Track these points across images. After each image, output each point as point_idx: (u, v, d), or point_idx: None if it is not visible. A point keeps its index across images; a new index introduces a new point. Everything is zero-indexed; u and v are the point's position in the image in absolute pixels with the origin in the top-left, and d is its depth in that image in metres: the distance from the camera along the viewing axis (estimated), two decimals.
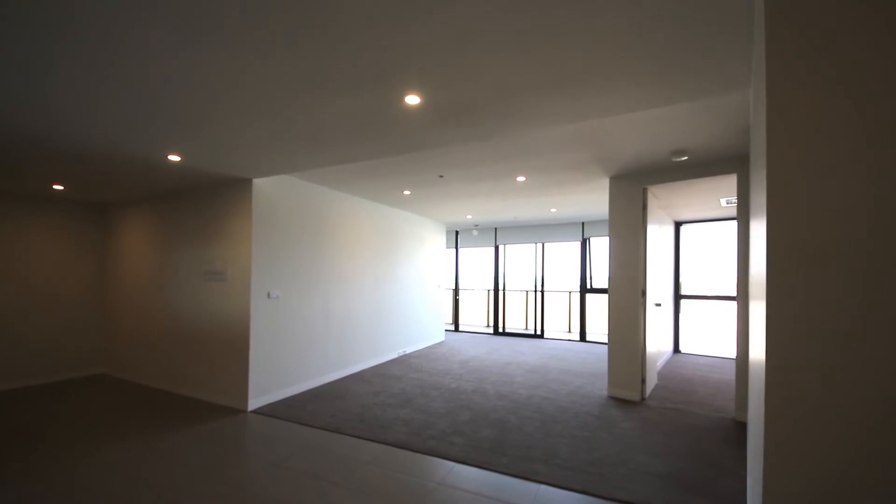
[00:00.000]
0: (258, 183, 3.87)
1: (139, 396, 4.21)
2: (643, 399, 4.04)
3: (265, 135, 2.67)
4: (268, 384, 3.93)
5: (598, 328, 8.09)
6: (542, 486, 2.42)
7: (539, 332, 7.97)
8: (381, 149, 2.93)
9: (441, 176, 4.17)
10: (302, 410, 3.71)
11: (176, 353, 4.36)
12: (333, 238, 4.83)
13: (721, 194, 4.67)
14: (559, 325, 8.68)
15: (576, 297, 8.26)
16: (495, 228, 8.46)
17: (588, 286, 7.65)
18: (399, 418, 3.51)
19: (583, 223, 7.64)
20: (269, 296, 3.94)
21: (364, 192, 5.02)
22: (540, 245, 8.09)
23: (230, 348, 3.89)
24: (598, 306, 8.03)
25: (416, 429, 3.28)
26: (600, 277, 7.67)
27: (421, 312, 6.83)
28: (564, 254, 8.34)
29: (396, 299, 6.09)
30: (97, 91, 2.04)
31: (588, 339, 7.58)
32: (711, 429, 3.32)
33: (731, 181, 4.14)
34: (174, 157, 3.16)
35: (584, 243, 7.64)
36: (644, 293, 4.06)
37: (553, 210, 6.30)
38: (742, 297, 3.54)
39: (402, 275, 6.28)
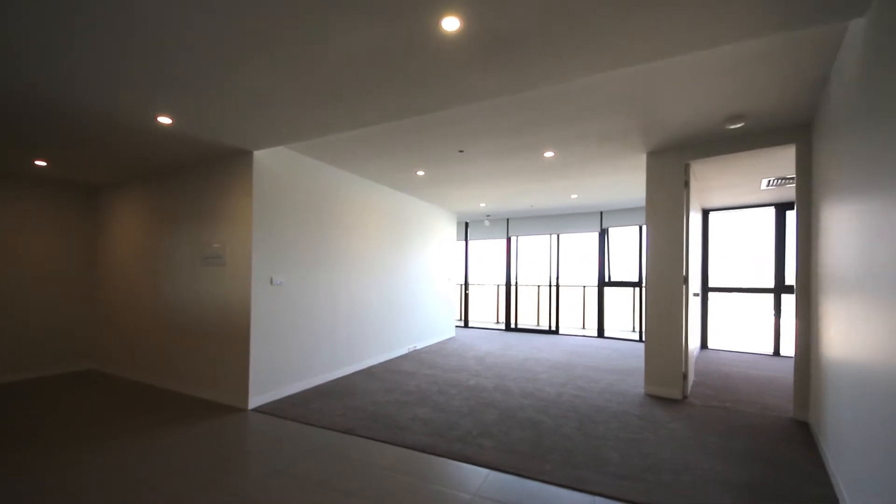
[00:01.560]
0: (259, 156, 3.49)
1: (129, 393, 3.83)
2: (685, 397, 3.65)
3: (264, 83, 2.29)
4: (270, 380, 3.55)
5: (616, 324, 7.71)
6: (598, 499, 2.04)
7: (554, 328, 7.58)
8: (402, 103, 2.55)
9: (461, 151, 3.78)
10: (308, 409, 3.34)
11: (170, 346, 3.98)
12: (341, 222, 4.45)
13: (764, 173, 4.28)
14: (573, 320, 8.29)
15: (591, 292, 7.88)
16: (507, 219, 8.08)
17: (606, 279, 7.26)
18: (417, 417, 3.13)
19: (601, 212, 7.26)
20: (271, 282, 3.56)
21: (374, 172, 4.63)
22: (555, 236, 7.70)
23: (229, 340, 3.51)
24: (616, 301, 7.65)
25: (438, 429, 2.90)
26: (619, 270, 7.29)
27: (431, 306, 6.45)
28: (578, 246, 7.95)
29: (406, 292, 5.71)
30: (69, 31, 1.67)
31: (606, 335, 7.19)
32: (769, 429, 2.93)
33: (778, 158, 3.75)
34: (164, 119, 2.79)
35: (603, 234, 7.26)
36: (686, 281, 3.68)
37: (574, 196, 5.92)
38: (803, 291, 3.12)
39: (413, 266, 5.90)
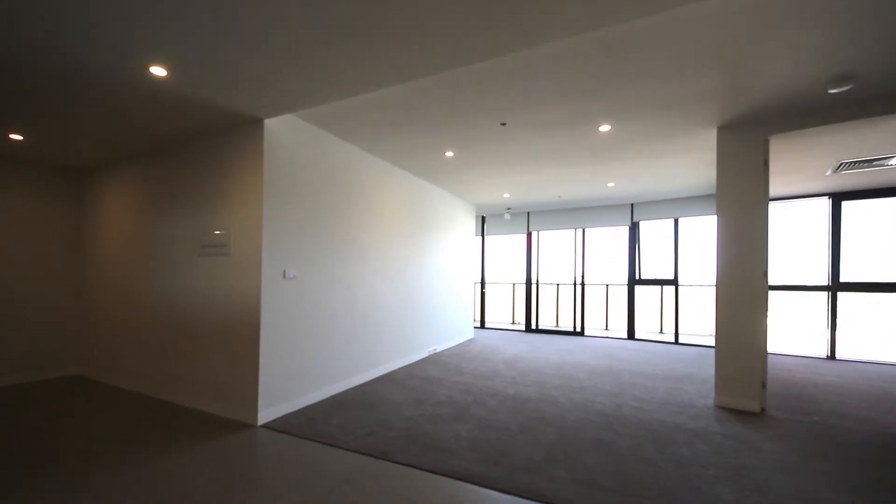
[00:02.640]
0: (272, 127, 2.96)
1: (119, 405, 3.30)
2: (763, 410, 3.15)
3: (278, 13, 1.77)
4: (283, 389, 3.03)
5: (644, 325, 7.20)
6: None
7: (579, 330, 7.07)
8: (461, 43, 2.03)
9: (504, 124, 3.26)
10: (328, 425, 2.81)
11: (166, 349, 3.45)
12: (360, 210, 3.92)
13: (838, 154, 3.77)
14: (596, 321, 7.78)
15: (614, 291, 7.38)
16: (528, 212, 7.57)
17: (637, 277, 6.76)
18: (460, 437, 2.61)
19: (632, 205, 6.75)
20: (284, 275, 3.04)
21: (397, 153, 4.11)
22: (580, 231, 7.19)
23: (235, 343, 2.98)
24: (644, 301, 7.14)
25: (490, 454, 2.38)
26: (649, 267, 6.78)
27: (451, 306, 5.93)
28: (600, 242, 7.43)
29: (426, 289, 5.19)
30: None
31: (636, 336, 6.68)
32: (881, 448, 2.42)
33: (861, 134, 3.26)
34: (158, 70, 2.25)
35: (633, 228, 6.75)
36: (766, 277, 3.17)
37: (611, 185, 5.41)
38: None
39: (432, 261, 5.38)
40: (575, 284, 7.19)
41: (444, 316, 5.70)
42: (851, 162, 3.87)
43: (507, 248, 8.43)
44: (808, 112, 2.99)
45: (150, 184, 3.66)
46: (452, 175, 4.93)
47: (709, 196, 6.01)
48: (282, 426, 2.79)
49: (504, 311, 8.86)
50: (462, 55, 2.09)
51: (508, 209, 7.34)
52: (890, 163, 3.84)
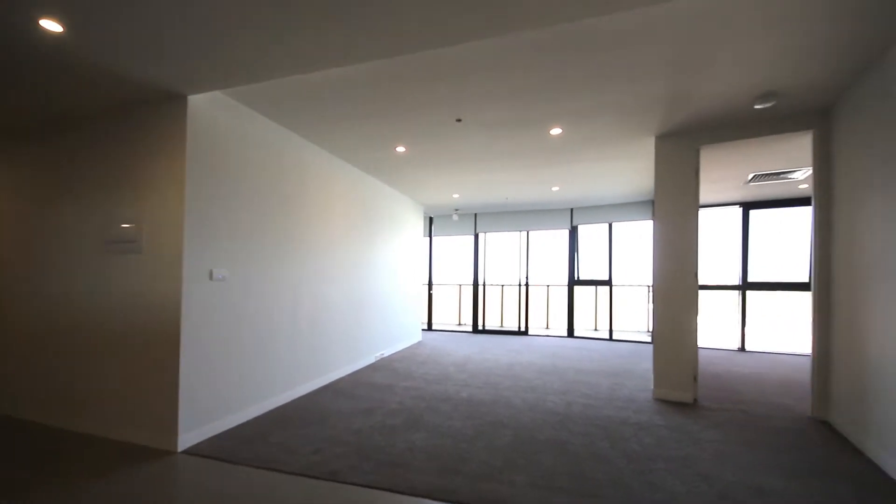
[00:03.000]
0: (197, 104, 2.59)
1: (4, 436, 2.67)
2: (695, 400, 3.39)
3: None
4: (210, 407, 2.64)
5: (582, 323, 7.58)
6: None
7: (524, 329, 7.23)
8: (424, 23, 1.89)
9: (459, 120, 3.18)
10: (267, 444, 2.50)
11: (64, 366, 2.86)
12: (305, 205, 3.61)
13: (752, 167, 4.23)
14: (538, 320, 8.03)
15: (555, 291, 7.68)
16: (475, 214, 7.61)
17: (576, 278, 7.08)
18: (415, 447, 2.45)
19: (571, 209, 7.07)
20: (211, 276, 2.66)
21: (344, 146, 3.85)
22: (524, 233, 7.38)
23: (150, 355, 2.55)
24: (581, 300, 7.52)
25: (448, 463, 2.25)
26: (588, 268, 7.14)
27: (400, 308, 5.73)
28: (545, 244, 7.70)
29: (375, 292, 4.95)
30: None
31: (576, 334, 6.99)
32: (802, 433, 2.71)
33: (771, 149, 3.67)
34: (51, 25, 1.83)
35: (573, 232, 7.07)
36: (697, 278, 3.42)
37: (555, 189, 5.59)
38: (822, 290, 2.96)
39: (380, 262, 5.15)
40: (520, 285, 7.35)
41: (393, 319, 5.49)
42: (763, 174, 4.35)
43: (453, 249, 8.41)
44: (735, 126, 3.28)
45: (44, 167, 3.04)
46: (403, 172, 4.75)
47: (640, 203, 6.47)
48: (209, 450, 2.42)
49: (451, 312, 8.83)
50: (410, 40, 1.95)
51: (456, 210, 7.32)
52: (792, 176, 4.38)
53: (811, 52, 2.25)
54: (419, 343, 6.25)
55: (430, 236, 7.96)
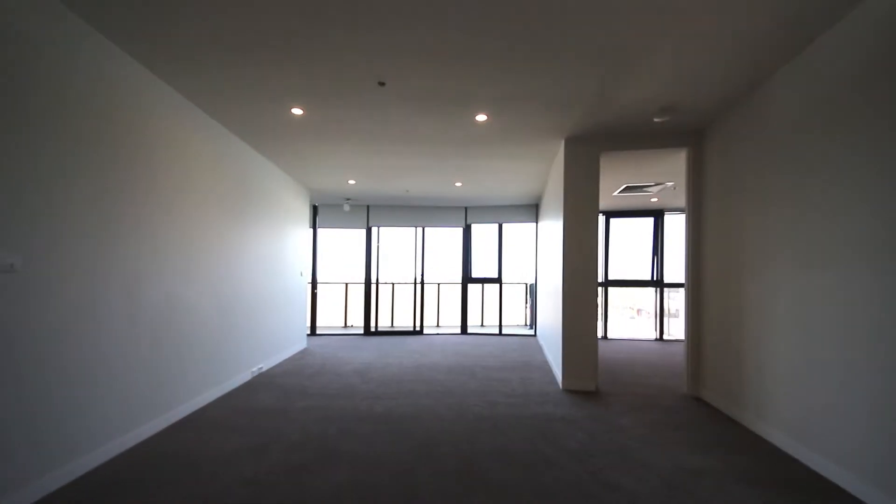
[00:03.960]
0: None
1: None
2: (597, 388, 3.63)
3: None
4: None
5: (473, 320, 7.75)
6: None
7: (419, 328, 6.99)
8: None
9: (382, 83, 2.68)
10: None
11: None
12: (155, 172, 2.58)
13: (626, 179, 4.83)
14: (429, 318, 7.91)
15: (447, 289, 7.69)
16: (368, 206, 7.02)
17: (470, 276, 7.18)
18: (343, 492, 1.90)
19: (466, 208, 7.14)
20: None
21: (219, 99, 2.93)
22: (420, 229, 7.13)
23: None
24: (473, 297, 7.69)
25: None
26: (482, 267, 7.32)
27: (283, 312, 4.80)
28: (437, 241, 7.62)
29: (250, 292, 3.99)
30: None
31: (469, 331, 7.09)
32: (691, 410, 3.08)
33: (641, 164, 4.23)
34: None
35: (467, 230, 7.15)
36: (597, 276, 3.68)
37: (458, 184, 5.48)
38: (695, 286, 3.47)
39: (259, 256, 4.19)
40: (415, 283, 7.07)
41: (274, 324, 4.55)
42: (633, 186, 5.03)
43: (340, 243, 7.63)
44: (629, 137, 3.60)
45: None
46: (294, 144, 3.94)
47: (527, 206, 6.92)
48: None
49: (336, 313, 7.99)
50: None
51: (348, 199, 6.61)
52: (650, 190, 5.19)
53: (704, 76, 2.54)
54: (305, 351, 5.38)
55: (315, 228, 7.02)
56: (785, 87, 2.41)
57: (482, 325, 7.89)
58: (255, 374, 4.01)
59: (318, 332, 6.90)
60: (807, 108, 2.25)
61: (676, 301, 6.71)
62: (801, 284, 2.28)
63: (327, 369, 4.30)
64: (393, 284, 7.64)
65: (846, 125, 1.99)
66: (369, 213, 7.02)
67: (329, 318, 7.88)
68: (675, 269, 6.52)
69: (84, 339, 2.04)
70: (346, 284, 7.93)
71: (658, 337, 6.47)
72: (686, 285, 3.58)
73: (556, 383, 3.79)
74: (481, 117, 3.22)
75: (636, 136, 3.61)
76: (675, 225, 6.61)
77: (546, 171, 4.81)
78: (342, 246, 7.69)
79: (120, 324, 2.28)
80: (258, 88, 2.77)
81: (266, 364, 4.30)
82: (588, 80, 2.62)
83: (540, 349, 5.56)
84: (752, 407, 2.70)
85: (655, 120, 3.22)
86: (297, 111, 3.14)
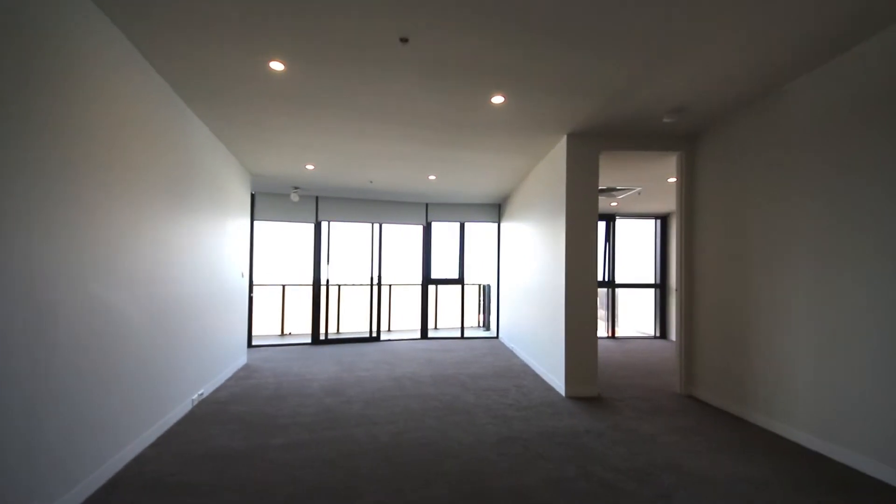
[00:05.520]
0: None
1: None
2: (599, 394, 3.51)
3: None
4: None
5: (431, 323, 7.34)
6: None
7: (376, 335, 6.36)
8: None
9: (405, 40, 2.18)
10: None
11: None
12: (72, 136, 1.76)
13: (607, 181, 4.88)
14: (382, 324, 7.30)
15: (401, 290, 7.19)
16: (317, 197, 6.20)
17: (429, 277, 6.76)
18: None
19: (427, 204, 6.71)
20: None
21: (171, 40, 2.16)
22: (377, 226, 6.51)
23: None
24: (430, 298, 7.29)
25: None
26: (441, 267, 6.95)
27: (222, 320, 3.88)
28: (392, 240, 7.07)
29: (189, 292, 3.10)
30: None
31: (428, 335, 6.67)
32: (695, 411, 3.10)
33: (625, 167, 4.30)
34: None
35: (427, 228, 6.73)
36: (596, 279, 3.57)
37: (432, 177, 5.05)
38: (687, 288, 3.54)
39: (198, 250, 3.30)
40: (371, 285, 6.43)
41: (214, 336, 3.64)
42: (608, 189, 5.10)
43: (276, 239, 6.64)
44: (620, 136, 3.54)
45: None
46: (256, 114, 3.17)
47: (489, 205, 6.76)
48: None
49: (271, 320, 6.94)
50: None
51: (296, 188, 5.73)
52: (620, 195, 5.34)
53: (728, 77, 2.54)
54: (247, 367, 4.47)
55: (252, 220, 5.97)
56: (816, 89, 2.46)
57: (436, 329, 7.53)
58: (196, 402, 3.13)
59: (253, 342, 5.87)
60: (841, 110, 2.31)
61: (625, 301, 7.09)
62: (825, 282, 2.35)
63: (287, 390, 3.56)
64: (339, 286, 6.85)
65: (883, 129, 2.06)
66: (318, 205, 6.20)
67: (263, 326, 6.82)
68: (625, 270, 6.88)
69: None
70: (284, 287, 6.95)
71: (610, 335, 6.75)
72: (678, 286, 3.64)
73: (555, 390, 3.60)
74: (498, 99, 2.87)
75: (634, 137, 3.58)
76: (626, 229, 6.98)
77: (525, 168, 4.64)
78: (279, 242, 6.71)
79: (19, 348, 1.46)
80: (235, 28, 2.07)
81: (207, 387, 3.41)
82: (622, 69, 2.46)
83: (510, 352, 5.38)
84: (762, 406, 2.76)
85: (665, 120, 3.19)
86: (276, 66, 2.45)
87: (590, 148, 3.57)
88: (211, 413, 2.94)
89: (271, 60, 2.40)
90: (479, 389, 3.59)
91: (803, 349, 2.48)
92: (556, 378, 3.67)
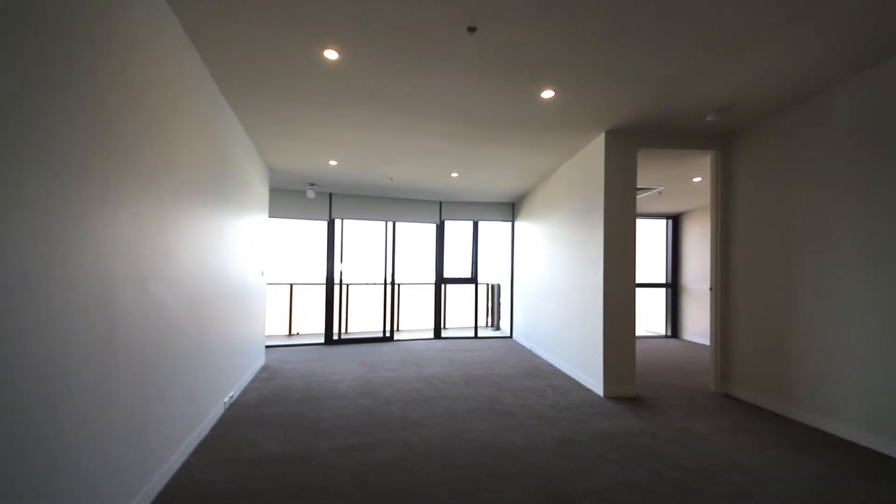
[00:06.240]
0: None
1: None
2: (637, 393, 3.48)
3: None
4: None
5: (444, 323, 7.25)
6: None
7: (390, 335, 6.25)
8: None
9: (473, 29, 2.10)
10: None
11: None
12: (126, 123, 1.64)
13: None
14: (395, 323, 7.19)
15: (411, 290, 7.09)
16: (330, 194, 6.07)
17: (443, 276, 6.68)
18: None
19: (440, 203, 6.63)
20: None
21: (222, 30, 2.05)
22: (391, 224, 6.41)
23: None
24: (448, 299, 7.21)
25: None
26: (454, 266, 6.87)
27: (245, 317, 3.74)
28: (405, 239, 6.98)
29: (224, 289, 2.97)
30: None
31: (442, 335, 6.59)
32: (734, 408, 3.09)
33: (649, 166, 4.29)
34: None
35: (441, 227, 6.65)
36: (635, 276, 3.55)
37: (454, 175, 4.98)
38: (722, 289, 3.52)
39: (231, 245, 3.17)
40: (385, 284, 6.32)
41: (242, 335, 3.51)
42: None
43: (286, 236, 6.49)
44: (658, 134, 3.52)
45: None
46: (298, 108, 3.06)
47: (503, 204, 6.72)
48: None
49: (279, 320, 6.77)
50: None
51: (312, 185, 5.60)
52: (640, 194, 5.34)
53: (780, 75, 2.53)
54: (266, 368, 4.33)
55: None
56: (862, 90, 2.47)
57: (445, 328, 7.45)
58: (227, 406, 3.00)
59: (266, 343, 5.70)
60: (887, 113, 2.32)
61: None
62: (873, 279, 2.34)
63: (318, 392, 3.44)
64: (348, 286, 6.72)
65: None
66: (332, 202, 6.08)
67: (271, 326, 6.65)
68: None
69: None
70: (291, 286, 6.80)
71: None
72: (713, 285, 3.63)
73: (591, 390, 3.56)
74: (548, 93, 2.81)
75: (670, 136, 3.57)
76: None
77: (548, 167, 4.60)
78: (287, 240, 6.57)
79: (91, 348, 1.34)
80: (292, 12, 1.97)
81: (235, 389, 3.27)
82: (673, 66, 2.43)
83: (529, 351, 5.33)
84: (808, 403, 2.75)
85: (708, 119, 3.18)
86: (330, 54, 2.35)
87: (628, 146, 3.54)
88: (246, 417, 2.82)
89: (326, 49, 2.30)
90: (515, 390, 3.52)
91: (853, 346, 2.48)
92: (590, 378, 3.63)
